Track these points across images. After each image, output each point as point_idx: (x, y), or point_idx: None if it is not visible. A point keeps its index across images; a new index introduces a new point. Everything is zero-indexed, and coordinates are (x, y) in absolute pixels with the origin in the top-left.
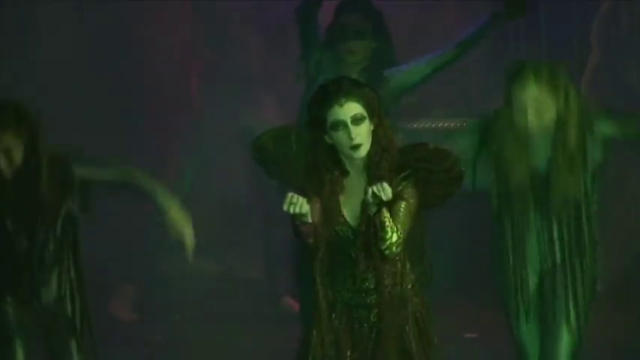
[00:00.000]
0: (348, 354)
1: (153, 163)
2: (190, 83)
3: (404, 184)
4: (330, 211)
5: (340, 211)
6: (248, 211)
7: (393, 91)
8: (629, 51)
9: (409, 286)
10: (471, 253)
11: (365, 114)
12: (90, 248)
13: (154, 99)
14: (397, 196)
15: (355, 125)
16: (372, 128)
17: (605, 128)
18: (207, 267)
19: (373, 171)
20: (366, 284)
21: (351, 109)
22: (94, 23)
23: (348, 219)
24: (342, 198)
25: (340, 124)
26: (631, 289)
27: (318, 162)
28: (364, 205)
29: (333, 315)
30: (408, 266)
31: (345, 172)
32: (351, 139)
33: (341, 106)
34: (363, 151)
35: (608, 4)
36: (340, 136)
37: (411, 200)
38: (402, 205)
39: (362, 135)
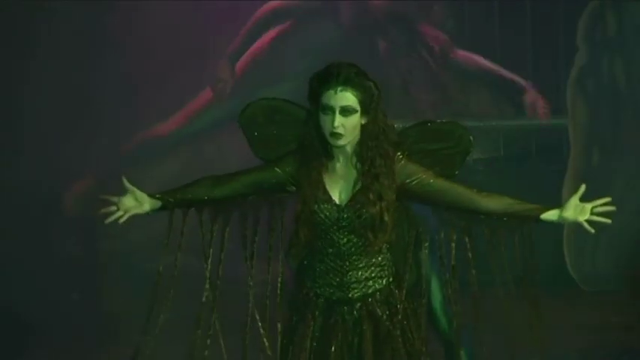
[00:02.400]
0: (332, 350)
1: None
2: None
3: (406, 162)
4: (313, 187)
5: (325, 190)
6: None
7: None
8: (614, 51)
9: (390, 279)
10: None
11: (357, 107)
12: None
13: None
14: (417, 175)
15: (342, 116)
16: (362, 122)
17: None
18: (193, 266)
19: (367, 167)
20: (348, 277)
21: (344, 99)
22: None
23: (333, 197)
24: (328, 178)
25: (329, 109)
26: (616, 290)
27: (307, 137)
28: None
29: (316, 312)
30: (389, 258)
31: (332, 152)
32: (333, 127)
33: (335, 92)
34: (342, 141)
35: (594, 5)
36: (326, 120)
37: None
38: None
39: (345, 126)
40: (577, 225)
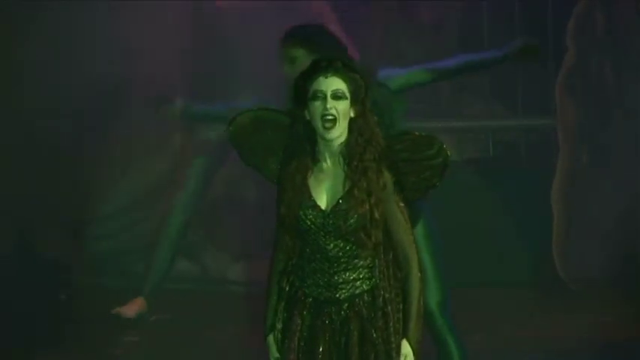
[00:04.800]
0: (320, 350)
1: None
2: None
3: (388, 175)
4: (297, 192)
5: (310, 195)
6: (223, 211)
7: (395, 92)
8: (604, 51)
9: (378, 281)
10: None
11: (347, 94)
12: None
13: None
14: (386, 198)
15: (334, 99)
16: (352, 115)
17: None
18: (182, 268)
19: (356, 162)
20: (336, 278)
21: (335, 83)
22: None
23: (319, 202)
24: (313, 182)
25: (320, 94)
26: (606, 289)
27: (295, 139)
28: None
29: (304, 312)
30: (380, 261)
31: (319, 153)
32: (325, 109)
33: (325, 77)
34: (335, 130)
35: (583, 4)
36: (317, 106)
37: (401, 204)
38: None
39: (338, 110)
40: (566, 225)
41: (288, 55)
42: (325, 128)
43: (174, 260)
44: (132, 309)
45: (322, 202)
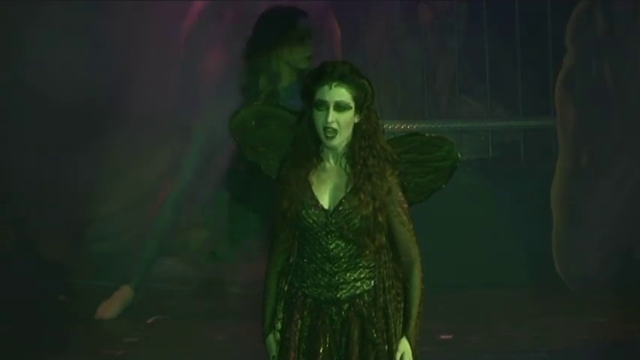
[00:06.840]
0: (320, 350)
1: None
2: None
3: (392, 178)
4: (300, 188)
5: (312, 194)
6: (222, 211)
7: None
8: (603, 52)
9: (379, 281)
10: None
11: (351, 104)
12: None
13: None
14: (390, 200)
15: (336, 111)
16: (356, 120)
17: None
18: (181, 269)
19: (360, 166)
20: (336, 278)
21: (339, 94)
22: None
23: (321, 202)
24: (316, 181)
25: (323, 105)
26: (605, 289)
27: (300, 137)
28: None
29: (304, 312)
30: (381, 261)
31: (322, 153)
32: (327, 122)
33: (330, 88)
34: (336, 140)
35: (583, 5)
36: (320, 116)
37: (405, 205)
38: (405, 223)
39: (339, 122)
40: (565, 226)
41: (307, 33)
42: (327, 137)
43: (155, 259)
44: (112, 307)
45: (325, 201)
